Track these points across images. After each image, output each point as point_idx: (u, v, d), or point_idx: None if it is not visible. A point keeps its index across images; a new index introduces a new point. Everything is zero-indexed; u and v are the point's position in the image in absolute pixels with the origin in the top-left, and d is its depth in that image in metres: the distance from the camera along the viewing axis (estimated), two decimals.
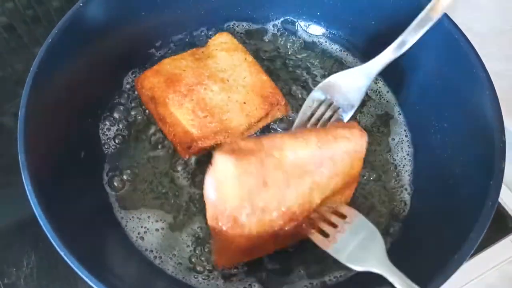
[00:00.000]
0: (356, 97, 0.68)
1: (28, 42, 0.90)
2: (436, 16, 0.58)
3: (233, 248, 0.56)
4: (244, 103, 0.69)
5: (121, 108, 0.73)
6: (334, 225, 0.55)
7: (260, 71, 0.72)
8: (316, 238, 0.55)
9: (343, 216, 0.55)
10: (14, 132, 0.75)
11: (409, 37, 0.61)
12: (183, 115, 0.67)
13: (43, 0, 0.94)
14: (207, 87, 0.69)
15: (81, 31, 0.64)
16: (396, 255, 0.59)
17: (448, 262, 0.50)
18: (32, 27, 0.92)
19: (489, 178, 0.53)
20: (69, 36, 0.62)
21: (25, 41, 0.90)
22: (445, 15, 0.64)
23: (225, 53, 0.73)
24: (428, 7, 0.58)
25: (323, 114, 0.69)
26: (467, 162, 0.60)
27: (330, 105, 0.69)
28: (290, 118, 0.73)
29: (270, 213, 0.54)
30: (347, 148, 0.56)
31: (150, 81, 0.69)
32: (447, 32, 0.64)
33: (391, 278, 0.48)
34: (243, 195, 0.51)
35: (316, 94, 0.69)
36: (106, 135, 0.71)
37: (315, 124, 0.68)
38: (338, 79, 0.68)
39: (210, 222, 0.55)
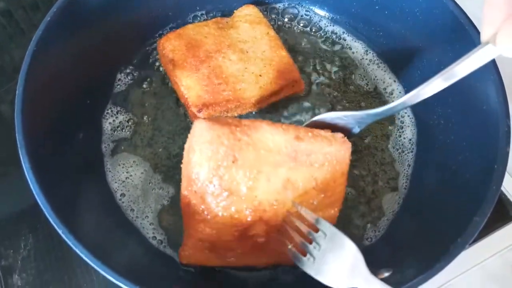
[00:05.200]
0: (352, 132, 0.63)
1: (26, 29, 0.90)
2: (453, 80, 0.50)
3: (197, 236, 0.55)
4: (260, 75, 0.69)
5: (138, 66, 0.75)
6: (310, 241, 0.51)
7: (280, 46, 0.73)
8: (294, 256, 0.52)
9: (318, 230, 0.50)
10: (11, 119, 0.76)
11: (416, 98, 0.53)
12: (198, 80, 0.68)
13: None
14: (226, 55, 0.70)
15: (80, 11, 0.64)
16: (399, 238, 0.62)
17: (451, 245, 0.50)
18: (30, 13, 0.91)
19: (493, 162, 0.54)
20: (68, 15, 0.61)
21: (22, 27, 0.90)
22: (456, 7, 0.63)
23: (248, 25, 0.74)
24: (446, 70, 0.49)
25: None
26: (471, 147, 0.60)
27: None
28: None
29: (238, 202, 0.53)
30: (326, 151, 0.54)
31: (172, 43, 0.71)
32: (453, 18, 0.63)
33: None
34: (212, 166, 0.51)
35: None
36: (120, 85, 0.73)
37: None
38: (330, 117, 0.61)
39: (182, 191, 0.55)
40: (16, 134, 0.52)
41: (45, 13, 0.85)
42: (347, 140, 0.55)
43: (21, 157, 0.51)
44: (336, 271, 0.47)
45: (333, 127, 0.60)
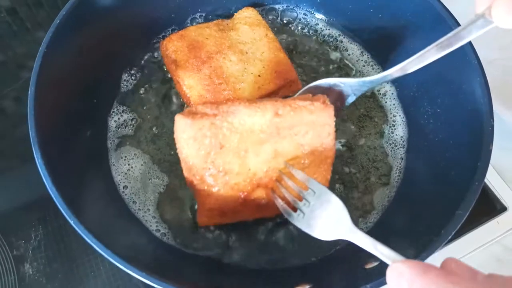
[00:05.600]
0: (348, 100, 0.66)
1: (30, 26, 0.91)
2: (448, 50, 0.52)
3: (207, 207, 0.59)
4: (259, 76, 0.72)
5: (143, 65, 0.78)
6: (300, 198, 0.55)
7: (278, 48, 0.75)
8: (285, 211, 0.56)
9: (308, 188, 0.55)
10: (15, 115, 0.80)
11: (417, 62, 0.55)
12: (200, 80, 0.71)
13: None
14: (226, 56, 0.73)
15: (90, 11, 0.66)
16: (388, 231, 0.65)
17: (435, 238, 0.53)
18: (34, 11, 0.93)
19: (477, 159, 0.57)
20: (76, 18, 0.64)
21: (27, 25, 0.91)
22: (443, 8, 0.66)
23: (248, 27, 0.76)
24: (443, 39, 0.51)
25: None
26: (458, 146, 0.63)
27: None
28: None
29: (235, 177, 0.57)
30: (308, 120, 0.57)
31: (174, 44, 0.73)
32: (442, 21, 0.66)
33: (360, 244, 0.49)
34: (203, 155, 0.56)
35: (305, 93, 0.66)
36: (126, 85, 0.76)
37: None
38: (329, 83, 0.65)
39: (185, 174, 0.59)
40: (30, 132, 0.55)
41: (49, 10, 0.91)
42: (328, 103, 0.58)
43: (34, 154, 0.54)
44: (324, 225, 0.51)
45: (329, 93, 0.63)
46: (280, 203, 0.57)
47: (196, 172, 0.57)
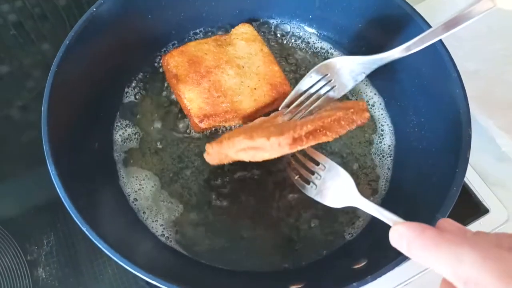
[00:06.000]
0: (349, 84, 0.68)
1: (35, 38, 0.94)
2: (452, 30, 0.56)
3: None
4: (255, 89, 0.76)
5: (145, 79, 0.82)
6: (312, 172, 0.62)
7: (273, 62, 0.79)
8: (299, 184, 0.63)
9: (318, 163, 0.61)
10: (21, 122, 0.83)
11: (419, 44, 0.59)
12: (200, 93, 0.75)
13: None
14: (224, 71, 0.77)
15: (97, 30, 0.70)
16: (375, 234, 0.69)
17: None
18: (39, 24, 0.96)
19: (455, 166, 0.60)
20: (84, 38, 0.67)
21: (32, 37, 0.94)
22: (425, 23, 0.70)
23: (244, 43, 0.80)
24: (447, 20, 0.56)
25: (317, 90, 0.69)
26: (439, 153, 0.67)
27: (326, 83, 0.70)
28: None
29: None
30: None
31: (175, 59, 0.77)
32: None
33: (365, 209, 0.55)
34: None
35: (315, 72, 0.69)
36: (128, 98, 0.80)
37: (307, 98, 0.69)
38: (340, 61, 0.67)
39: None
40: (44, 146, 0.59)
41: (54, 23, 0.95)
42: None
43: (48, 165, 0.57)
44: (334, 194, 0.59)
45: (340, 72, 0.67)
46: (294, 177, 0.64)
47: None
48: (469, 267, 0.35)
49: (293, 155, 0.64)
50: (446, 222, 0.43)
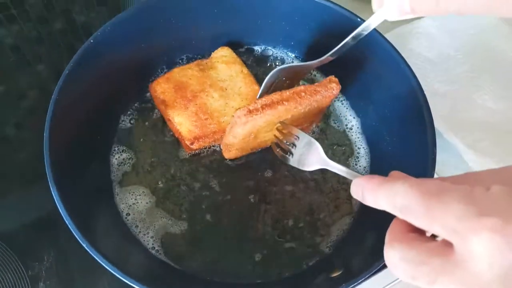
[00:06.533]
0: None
1: (31, 60, 0.97)
2: (366, 32, 0.66)
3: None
4: (238, 108, 0.80)
5: (137, 107, 0.86)
6: (290, 144, 0.69)
7: (253, 82, 0.83)
8: (281, 155, 0.71)
9: (297, 138, 0.68)
10: (16, 141, 0.86)
11: (338, 51, 0.70)
12: (188, 117, 0.79)
13: (47, 21, 1.03)
14: (209, 94, 0.81)
15: (94, 62, 0.74)
16: (349, 247, 0.74)
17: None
18: (35, 46, 0.99)
19: None
20: (82, 68, 0.72)
21: (28, 58, 0.97)
22: (401, 58, 0.75)
23: (224, 65, 0.84)
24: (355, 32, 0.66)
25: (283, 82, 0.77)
26: (407, 172, 0.71)
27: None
28: None
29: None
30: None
31: (162, 86, 0.81)
32: (397, 66, 0.75)
33: (332, 169, 0.62)
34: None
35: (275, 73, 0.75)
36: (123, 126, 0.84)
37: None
38: (298, 65, 0.77)
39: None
40: (46, 169, 0.63)
41: (49, 46, 0.98)
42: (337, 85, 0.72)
43: (50, 187, 0.61)
44: (309, 160, 0.66)
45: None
46: (276, 149, 0.71)
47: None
48: (401, 197, 0.39)
49: (276, 132, 0.72)
50: (395, 173, 0.48)
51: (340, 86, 0.72)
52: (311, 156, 0.66)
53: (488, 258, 0.33)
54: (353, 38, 0.67)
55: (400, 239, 0.40)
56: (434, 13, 0.50)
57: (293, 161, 0.69)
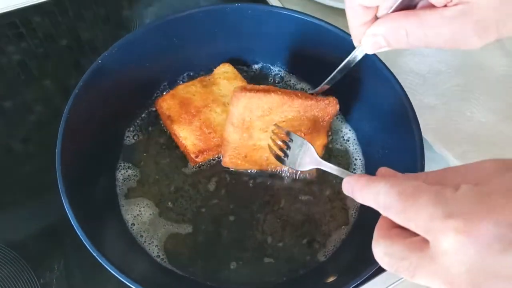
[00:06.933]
0: None
1: (38, 75, 1.00)
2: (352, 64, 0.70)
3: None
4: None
5: (144, 123, 0.91)
6: (284, 147, 0.73)
7: None
8: (277, 157, 0.74)
9: (291, 140, 0.72)
10: (22, 154, 0.90)
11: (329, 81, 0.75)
12: (192, 131, 0.83)
13: (53, 39, 1.07)
14: (212, 109, 0.85)
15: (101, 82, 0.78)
16: (344, 255, 0.77)
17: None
18: (42, 62, 1.03)
19: None
20: (90, 87, 0.76)
21: (34, 74, 1.01)
22: (391, 74, 0.78)
23: (226, 81, 0.88)
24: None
25: None
26: None
27: None
28: None
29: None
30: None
31: (167, 102, 0.85)
32: (387, 82, 0.79)
33: (324, 168, 0.65)
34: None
35: None
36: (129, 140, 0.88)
37: None
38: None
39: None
40: (59, 185, 0.66)
41: (56, 62, 1.02)
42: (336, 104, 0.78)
43: (63, 200, 0.65)
44: (303, 161, 0.70)
45: None
46: (273, 152, 0.74)
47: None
48: (383, 196, 0.43)
49: (272, 135, 0.76)
50: (383, 169, 0.52)
51: (338, 106, 0.77)
52: (305, 157, 0.70)
53: (455, 254, 0.37)
54: (340, 71, 0.72)
55: (383, 235, 0.44)
56: (406, 46, 0.54)
57: (287, 162, 0.73)
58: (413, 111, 0.75)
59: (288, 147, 0.72)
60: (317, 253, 0.80)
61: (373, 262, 0.62)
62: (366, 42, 0.59)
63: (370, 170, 0.87)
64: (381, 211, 0.44)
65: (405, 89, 0.78)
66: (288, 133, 0.73)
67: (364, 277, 0.64)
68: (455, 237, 0.36)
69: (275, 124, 0.76)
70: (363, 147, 0.89)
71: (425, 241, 0.40)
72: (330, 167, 0.65)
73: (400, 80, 0.78)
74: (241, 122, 0.76)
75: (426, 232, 0.39)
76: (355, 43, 0.63)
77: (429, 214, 0.38)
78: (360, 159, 0.89)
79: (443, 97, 0.96)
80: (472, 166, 0.43)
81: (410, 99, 0.76)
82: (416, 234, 0.41)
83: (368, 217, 0.78)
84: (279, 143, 0.74)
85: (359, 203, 0.81)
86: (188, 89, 0.88)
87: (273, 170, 0.85)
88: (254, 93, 0.73)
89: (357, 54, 0.67)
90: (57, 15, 1.12)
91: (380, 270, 0.73)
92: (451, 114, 0.95)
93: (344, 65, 0.70)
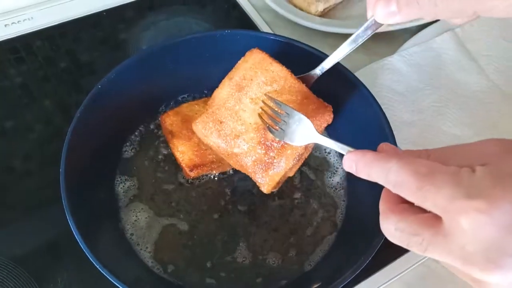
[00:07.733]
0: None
1: (38, 96, 1.03)
2: (362, 40, 0.68)
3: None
4: None
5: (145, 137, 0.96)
6: (279, 120, 0.69)
7: None
8: (270, 130, 0.71)
9: (283, 112, 0.69)
10: (22, 171, 0.93)
11: (360, 37, 0.68)
12: (191, 147, 0.87)
13: (53, 61, 1.10)
14: None
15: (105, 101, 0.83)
16: (328, 262, 0.80)
17: (358, 261, 0.68)
18: (42, 84, 1.06)
19: None
20: (92, 109, 0.81)
21: (35, 95, 1.04)
22: (369, 93, 0.82)
23: None
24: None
25: None
26: (377, 190, 0.78)
27: None
28: None
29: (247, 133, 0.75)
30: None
31: (171, 118, 0.90)
32: (366, 101, 0.82)
33: (322, 143, 0.63)
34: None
35: None
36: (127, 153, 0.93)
37: None
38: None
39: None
40: (62, 199, 0.70)
41: (55, 83, 1.05)
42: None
43: (67, 215, 0.68)
44: (298, 135, 0.67)
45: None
46: (266, 124, 0.71)
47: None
48: (394, 175, 0.43)
49: (262, 107, 0.74)
50: (384, 145, 0.52)
51: (332, 115, 0.77)
52: (301, 131, 0.67)
53: (474, 233, 0.38)
54: (350, 43, 0.70)
55: (393, 210, 0.45)
56: (417, 11, 0.54)
57: (282, 136, 0.68)
58: (390, 127, 0.79)
59: (283, 121, 0.69)
60: (303, 263, 0.82)
61: (359, 265, 0.68)
62: (378, 6, 0.57)
63: (352, 181, 0.90)
64: (390, 188, 0.45)
65: (384, 106, 0.80)
66: (281, 106, 0.69)
67: (348, 280, 0.68)
68: (476, 217, 0.37)
69: (266, 94, 0.73)
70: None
71: (437, 218, 0.41)
72: (328, 142, 0.62)
73: (379, 98, 0.81)
74: (241, 78, 0.75)
75: (443, 211, 0.40)
76: (368, 15, 0.62)
77: (449, 194, 0.39)
78: (338, 162, 0.93)
79: (421, 113, 1.00)
80: (474, 146, 0.44)
81: (389, 115, 0.79)
82: (424, 211, 0.42)
83: (353, 224, 0.84)
84: (271, 112, 0.70)
85: (343, 211, 0.87)
86: (191, 108, 0.93)
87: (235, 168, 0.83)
88: (269, 57, 0.73)
89: (368, 24, 0.65)
90: (56, 38, 1.17)
91: (368, 273, 0.80)
92: (429, 128, 1.00)
93: (355, 36, 0.68)
